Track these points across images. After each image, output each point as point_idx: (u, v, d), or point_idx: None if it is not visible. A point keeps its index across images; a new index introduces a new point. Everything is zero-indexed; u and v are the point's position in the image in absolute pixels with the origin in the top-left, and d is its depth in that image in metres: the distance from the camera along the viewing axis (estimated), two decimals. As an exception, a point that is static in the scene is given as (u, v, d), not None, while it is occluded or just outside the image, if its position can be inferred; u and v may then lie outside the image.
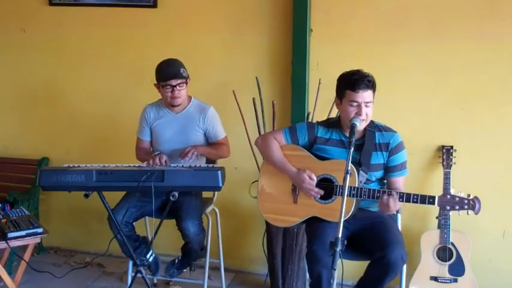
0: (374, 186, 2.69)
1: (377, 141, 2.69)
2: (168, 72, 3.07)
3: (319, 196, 2.65)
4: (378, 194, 2.52)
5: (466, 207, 2.40)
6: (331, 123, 2.78)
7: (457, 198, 2.41)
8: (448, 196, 2.42)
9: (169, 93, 3.10)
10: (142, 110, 3.29)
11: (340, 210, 2.19)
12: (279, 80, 3.62)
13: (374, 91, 2.62)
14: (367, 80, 2.57)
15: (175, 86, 3.07)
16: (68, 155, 4.07)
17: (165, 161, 3.03)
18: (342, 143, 2.71)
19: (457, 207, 2.41)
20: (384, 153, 2.69)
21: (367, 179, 2.68)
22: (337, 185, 2.61)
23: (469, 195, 2.42)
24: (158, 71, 3.11)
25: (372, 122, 2.72)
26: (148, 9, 3.81)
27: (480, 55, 3.28)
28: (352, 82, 2.58)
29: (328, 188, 2.64)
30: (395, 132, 2.72)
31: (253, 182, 3.33)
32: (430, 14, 3.32)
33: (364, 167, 2.64)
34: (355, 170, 2.57)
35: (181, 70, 3.08)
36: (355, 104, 2.58)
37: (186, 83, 3.12)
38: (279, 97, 3.57)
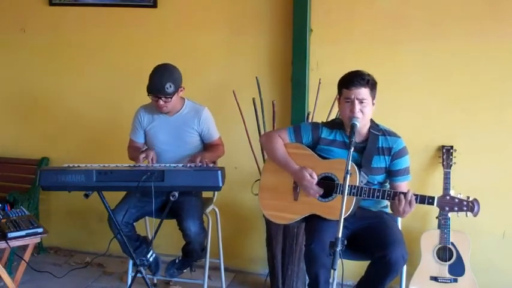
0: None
1: (380, 145, 2.69)
2: (153, 84, 3.03)
3: (317, 195, 2.65)
4: (378, 194, 2.53)
5: (465, 208, 2.41)
6: (334, 124, 2.79)
7: (457, 200, 2.42)
8: (448, 197, 2.43)
9: (155, 102, 3.10)
10: (136, 112, 3.29)
11: (340, 210, 2.19)
12: (279, 80, 3.62)
13: (372, 90, 2.62)
14: (360, 78, 2.58)
15: (160, 97, 3.06)
16: (68, 155, 4.07)
17: (152, 158, 3.06)
18: (345, 145, 2.71)
19: (455, 209, 2.42)
20: (387, 157, 2.68)
21: (369, 182, 2.68)
22: (338, 184, 2.62)
23: (468, 197, 2.43)
24: (149, 77, 3.07)
25: (377, 125, 2.73)
26: (148, 9, 3.81)
27: (480, 55, 3.28)
28: (346, 80, 2.62)
29: (329, 186, 2.65)
30: (399, 137, 2.72)
31: (256, 181, 3.34)
32: (430, 14, 3.32)
33: (364, 169, 2.65)
34: (356, 169, 2.58)
35: (167, 85, 3.00)
36: (348, 100, 2.60)
37: (174, 95, 3.06)
38: (279, 97, 3.57)
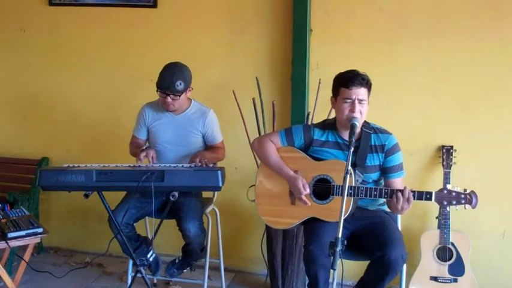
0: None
1: (372, 143, 2.69)
2: (164, 80, 3.03)
3: (307, 204, 2.65)
4: (375, 192, 2.54)
5: (463, 201, 2.43)
6: (327, 125, 2.79)
7: (454, 193, 2.44)
8: (445, 191, 2.45)
9: (163, 99, 3.09)
10: (141, 109, 3.28)
11: (340, 210, 2.19)
12: (279, 80, 3.62)
13: (369, 90, 2.63)
14: (360, 78, 2.59)
15: (169, 94, 3.06)
16: (68, 155, 4.08)
17: (152, 157, 3.06)
18: (338, 145, 2.72)
19: (454, 202, 2.44)
20: (380, 155, 2.69)
21: (364, 180, 2.68)
22: (334, 185, 2.61)
23: (465, 190, 2.45)
24: (159, 74, 3.08)
25: (367, 123, 2.73)
26: (148, 9, 3.81)
27: (480, 55, 3.28)
28: (345, 79, 2.62)
29: (325, 188, 2.65)
30: (390, 134, 2.73)
31: (251, 186, 3.33)
32: (430, 14, 3.32)
33: (359, 168, 2.65)
34: (351, 169, 2.57)
35: (178, 83, 3.01)
36: (348, 101, 2.60)
37: (183, 94, 3.07)
38: (279, 97, 3.57)
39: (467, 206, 2.43)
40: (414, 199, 2.48)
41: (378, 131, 2.72)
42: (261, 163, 2.90)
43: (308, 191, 2.65)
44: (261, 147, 2.83)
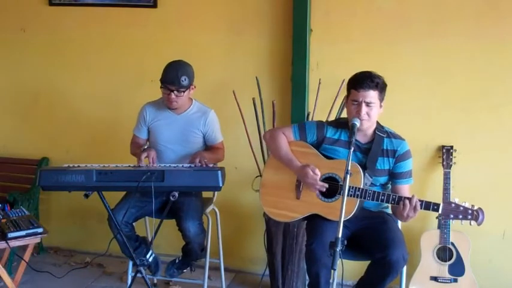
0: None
1: (384, 147, 2.68)
2: (169, 75, 3.04)
3: (324, 189, 2.62)
4: (383, 197, 2.52)
5: (469, 217, 2.41)
6: (340, 124, 2.77)
7: (461, 208, 2.42)
8: (453, 205, 2.43)
9: (166, 96, 3.10)
10: (141, 108, 3.28)
11: (340, 210, 2.19)
12: (279, 80, 3.62)
13: (380, 93, 2.59)
14: (369, 80, 2.56)
15: (173, 90, 3.07)
16: (68, 155, 4.08)
17: (153, 158, 3.06)
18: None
19: (460, 217, 2.42)
20: (391, 159, 2.68)
21: (372, 183, 2.67)
22: (341, 184, 2.60)
23: (473, 206, 2.43)
24: (163, 70, 3.08)
25: (382, 127, 2.72)
26: (148, 9, 3.81)
27: (480, 55, 3.28)
28: (355, 81, 2.61)
29: (332, 186, 2.64)
30: (403, 140, 2.71)
31: (256, 177, 3.33)
32: (430, 14, 3.32)
33: (369, 171, 2.64)
34: (361, 171, 2.57)
35: (183, 78, 3.02)
36: (355, 103, 2.59)
37: (186, 91, 3.08)
38: (279, 97, 3.57)
39: (472, 222, 2.41)
40: (421, 209, 2.47)
41: (391, 135, 2.70)
42: (270, 154, 2.89)
43: (319, 174, 2.62)
44: (273, 139, 2.82)
